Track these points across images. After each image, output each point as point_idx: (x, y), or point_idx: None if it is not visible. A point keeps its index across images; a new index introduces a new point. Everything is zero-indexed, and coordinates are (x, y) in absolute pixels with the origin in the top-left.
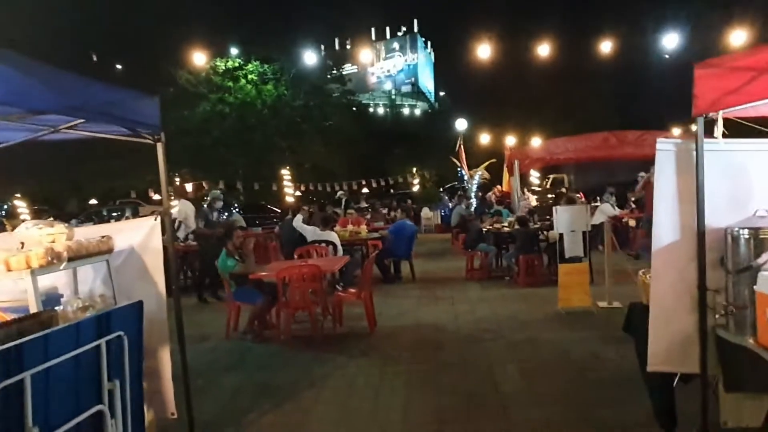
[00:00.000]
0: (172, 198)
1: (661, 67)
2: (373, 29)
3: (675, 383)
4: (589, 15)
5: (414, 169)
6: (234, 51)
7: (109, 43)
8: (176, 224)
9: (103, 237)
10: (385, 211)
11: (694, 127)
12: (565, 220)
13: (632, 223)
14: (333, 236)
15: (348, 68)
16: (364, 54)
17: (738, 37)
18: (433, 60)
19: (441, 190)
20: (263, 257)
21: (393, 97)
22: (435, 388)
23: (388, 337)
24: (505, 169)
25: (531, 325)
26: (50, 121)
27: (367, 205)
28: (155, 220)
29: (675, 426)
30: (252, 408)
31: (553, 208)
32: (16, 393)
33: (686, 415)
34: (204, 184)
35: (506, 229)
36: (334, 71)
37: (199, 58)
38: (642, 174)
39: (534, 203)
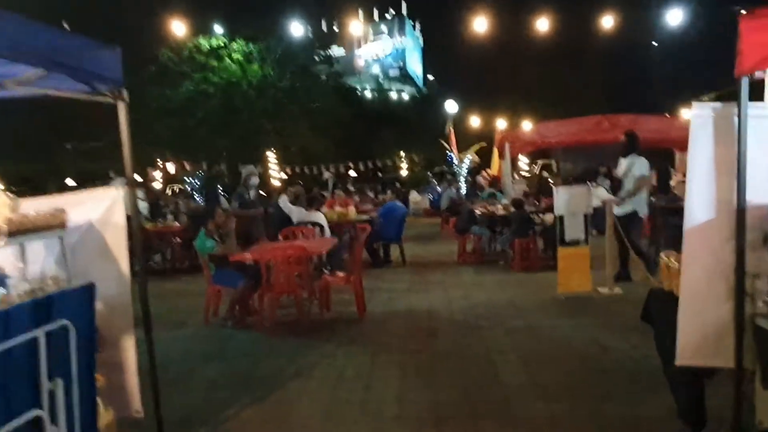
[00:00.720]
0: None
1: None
2: (360, 11)
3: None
4: None
5: (402, 153)
6: (218, 29)
7: (85, 16)
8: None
9: (55, 210)
10: (372, 195)
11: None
12: (566, 202)
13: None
14: (320, 217)
15: (335, 51)
16: (352, 36)
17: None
18: (421, 44)
19: (429, 174)
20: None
21: (381, 81)
22: (430, 379)
23: (379, 323)
24: (495, 153)
25: (529, 311)
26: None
27: (354, 189)
28: (116, 190)
29: (704, 425)
30: (231, 402)
31: (554, 189)
32: None
33: (711, 412)
34: (186, 165)
35: (501, 211)
36: (321, 52)
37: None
38: None
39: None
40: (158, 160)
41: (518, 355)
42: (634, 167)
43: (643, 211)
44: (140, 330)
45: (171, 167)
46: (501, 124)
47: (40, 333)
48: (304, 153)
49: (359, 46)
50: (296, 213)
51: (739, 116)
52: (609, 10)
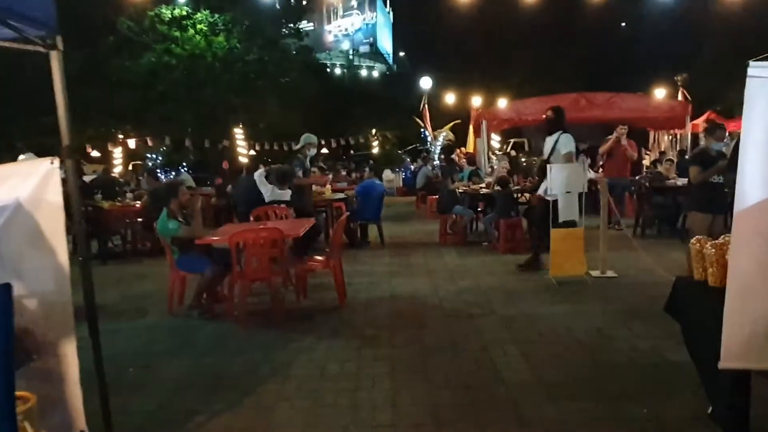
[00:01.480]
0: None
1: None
2: None
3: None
4: None
5: (374, 130)
6: None
7: None
8: None
9: None
10: (344, 173)
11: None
12: (560, 181)
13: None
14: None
15: (304, 25)
16: (322, 10)
17: None
18: (392, 20)
19: (401, 152)
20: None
21: (351, 57)
22: (425, 377)
23: (362, 312)
24: (471, 131)
25: (522, 297)
26: None
27: (325, 167)
28: (52, 163)
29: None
30: (196, 407)
31: (548, 166)
32: None
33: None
34: (148, 141)
35: (484, 190)
36: (291, 25)
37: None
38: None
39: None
40: (120, 135)
41: (518, 347)
42: (560, 144)
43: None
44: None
45: (132, 143)
46: (476, 101)
47: None
48: (273, 129)
49: (329, 21)
50: (269, 192)
51: None
52: None
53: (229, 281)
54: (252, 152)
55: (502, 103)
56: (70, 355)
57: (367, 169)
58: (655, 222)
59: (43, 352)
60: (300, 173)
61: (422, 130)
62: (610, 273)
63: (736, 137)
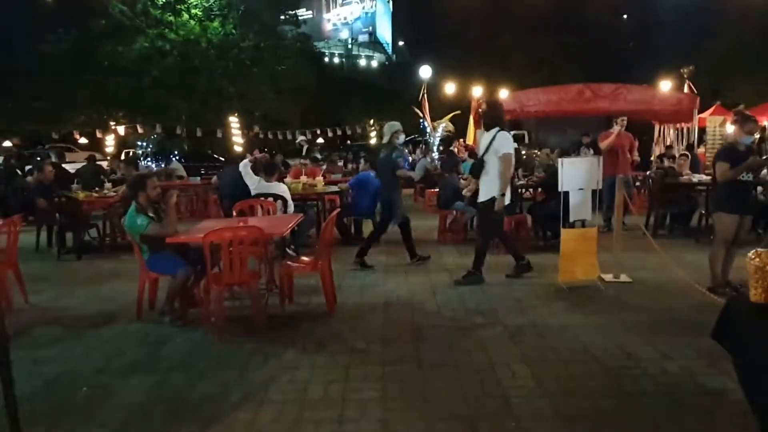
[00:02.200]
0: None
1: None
2: None
3: None
4: None
5: (371, 121)
6: None
7: None
8: None
9: None
10: (341, 163)
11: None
12: (572, 176)
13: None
14: (282, 189)
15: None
16: None
17: None
18: (391, 9)
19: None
20: (202, 212)
21: (350, 46)
22: (422, 405)
23: (352, 320)
24: (471, 122)
25: (530, 304)
26: None
27: (321, 157)
28: None
29: None
30: None
31: (558, 160)
32: None
33: None
34: (138, 128)
35: None
36: (288, 12)
37: None
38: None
39: None
40: (111, 122)
41: (529, 368)
42: (497, 143)
43: (506, 199)
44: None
45: (122, 130)
46: (477, 91)
47: None
48: (269, 118)
49: (328, 9)
50: (255, 184)
51: None
52: None
53: (205, 285)
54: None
55: (504, 93)
56: None
57: (362, 160)
58: (668, 221)
59: None
60: (402, 164)
61: (421, 120)
62: (624, 277)
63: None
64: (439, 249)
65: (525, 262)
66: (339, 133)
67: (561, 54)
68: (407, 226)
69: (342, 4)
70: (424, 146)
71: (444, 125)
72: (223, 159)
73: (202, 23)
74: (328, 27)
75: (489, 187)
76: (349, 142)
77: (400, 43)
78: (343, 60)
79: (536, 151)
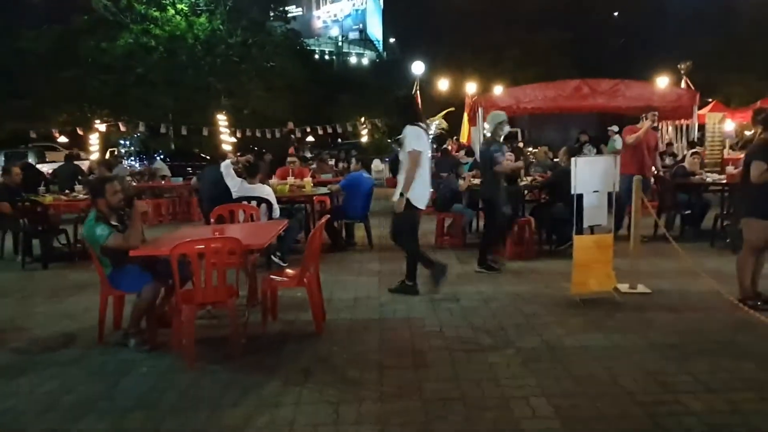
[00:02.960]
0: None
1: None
2: None
3: None
4: None
5: (363, 118)
6: None
7: None
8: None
9: None
10: (332, 162)
11: None
12: (587, 177)
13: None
14: (266, 191)
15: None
16: None
17: None
18: (381, 6)
19: (390, 140)
20: (185, 216)
21: (340, 43)
22: None
23: (343, 341)
24: (465, 119)
25: (542, 321)
26: None
27: (311, 156)
28: None
29: None
30: None
31: (572, 159)
32: None
33: None
34: (121, 126)
35: None
36: (278, 9)
37: None
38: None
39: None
40: (97, 121)
41: (549, 402)
42: (405, 139)
43: (422, 201)
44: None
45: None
46: (471, 88)
47: None
48: (258, 116)
49: (318, 6)
50: (236, 186)
51: None
52: None
53: (174, 304)
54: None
55: (499, 90)
56: None
57: (353, 159)
58: (681, 223)
59: None
60: (501, 159)
61: None
62: (641, 288)
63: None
64: (437, 254)
65: (412, 284)
66: (329, 131)
67: (555, 49)
68: (502, 228)
69: (332, 1)
70: None
71: (437, 123)
72: (210, 158)
73: (188, 19)
74: (318, 24)
75: (399, 187)
76: (340, 140)
77: (391, 39)
78: (334, 57)
79: (530, 149)
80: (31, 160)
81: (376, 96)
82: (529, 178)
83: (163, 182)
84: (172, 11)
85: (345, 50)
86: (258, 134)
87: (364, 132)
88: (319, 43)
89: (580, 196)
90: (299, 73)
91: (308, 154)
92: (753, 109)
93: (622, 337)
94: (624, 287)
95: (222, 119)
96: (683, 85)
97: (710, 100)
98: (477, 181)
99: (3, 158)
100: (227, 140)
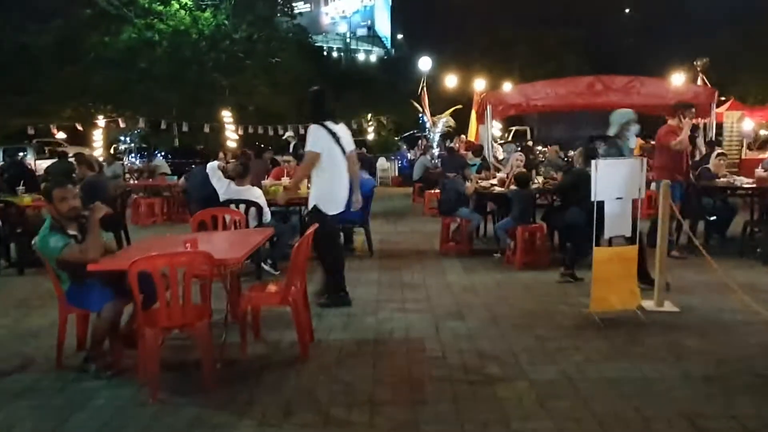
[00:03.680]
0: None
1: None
2: None
3: None
4: None
5: (369, 115)
6: None
7: None
8: None
9: None
10: None
11: None
12: (609, 182)
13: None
14: (256, 194)
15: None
16: None
17: None
18: (390, 2)
19: (397, 138)
20: (180, 216)
21: (348, 40)
22: None
23: (331, 368)
24: (473, 117)
25: (558, 344)
26: None
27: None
28: None
29: None
30: None
31: (592, 162)
32: None
33: None
34: (120, 122)
35: (497, 189)
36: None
37: None
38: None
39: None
40: (100, 117)
41: None
42: (307, 140)
43: (334, 207)
44: None
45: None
46: (480, 85)
47: None
48: (262, 112)
49: (326, 2)
50: (223, 188)
51: None
52: None
53: (137, 327)
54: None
55: (508, 87)
56: None
57: None
58: (704, 230)
59: None
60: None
61: (420, 115)
62: (668, 305)
63: None
64: (441, 262)
65: (342, 295)
66: None
67: (566, 47)
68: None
69: None
70: (424, 142)
71: (444, 120)
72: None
73: (192, 13)
74: (326, 20)
75: (313, 192)
76: None
77: (399, 36)
78: (341, 54)
79: (540, 147)
80: (30, 157)
81: (383, 93)
82: (541, 180)
83: (158, 180)
84: (176, 6)
85: (353, 47)
86: (261, 131)
87: (371, 129)
88: (327, 39)
89: (601, 204)
90: (305, 69)
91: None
92: None
93: (650, 367)
94: (649, 305)
95: (227, 116)
96: (699, 82)
97: (723, 98)
98: (485, 183)
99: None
100: (231, 137)
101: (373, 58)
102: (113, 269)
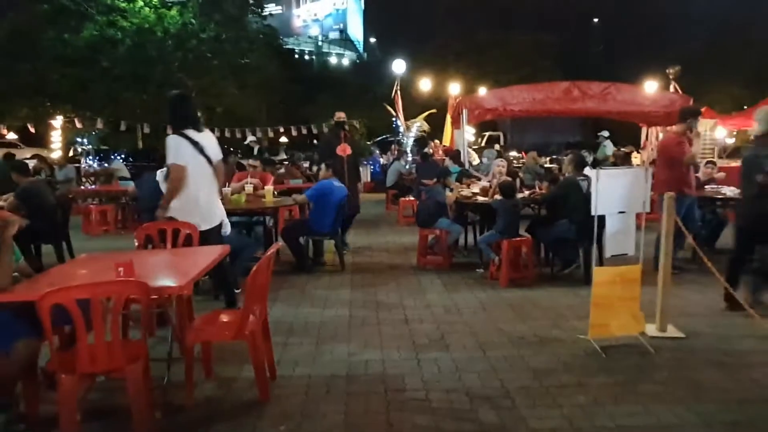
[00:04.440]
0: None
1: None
2: None
3: None
4: None
5: None
6: None
7: None
8: None
9: None
10: (306, 164)
11: None
12: (610, 194)
13: None
14: None
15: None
16: None
17: None
18: (363, 6)
19: (370, 143)
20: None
21: (320, 43)
22: None
23: (295, 414)
24: (448, 122)
25: (557, 380)
26: None
27: (285, 157)
28: None
29: None
30: None
31: (593, 172)
32: None
33: None
34: (77, 122)
35: (481, 198)
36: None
37: None
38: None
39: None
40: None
41: None
42: (167, 152)
43: (200, 223)
44: None
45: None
46: (455, 89)
47: None
48: (231, 115)
49: (297, 5)
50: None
51: None
52: None
53: (52, 371)
54: None
55: (483, 91)
56: None
57: (323, 165)
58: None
59: None
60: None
61: (394, 119)
62: (672, 330)
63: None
64: (419, 278)
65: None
66: (304, 132)
67: (539, 52)
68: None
69: (312, 0)
70: (397, 147)
71: (418, 125)
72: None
73: (158, 11)
74: (298, 23)
75: (174, 206)
76: (315, 141)
77: (372, 39)
78: (313, 57)
79: (513, 153)
80: None
81: (355, 97)
82: (527, 191)
83: (110, 185)
84: (141, 2)
85: (325, 50)
86: (228, 134)
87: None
88: (299, 42)
89: (601, 218)
90: (275, 70)
91: (283, 156)
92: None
93: (667, 410)
94: (651, 329)
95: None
96: (671, 89)
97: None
98: (466, 192)
99: None
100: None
101: (345, 62)
102: (22, 300)
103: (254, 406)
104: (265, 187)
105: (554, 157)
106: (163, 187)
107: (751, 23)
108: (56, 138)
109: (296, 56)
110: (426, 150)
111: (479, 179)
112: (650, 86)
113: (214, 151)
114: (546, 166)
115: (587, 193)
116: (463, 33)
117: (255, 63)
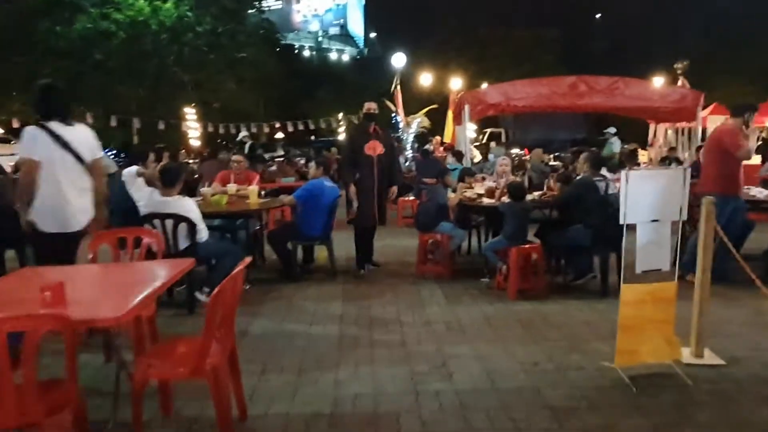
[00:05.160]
0: None
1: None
2: None
3: None
4: None
5: (340, 115)
6: None
7: None
8: None
9: None
10: (302, 161)
11: None
12: (642, 200)
13: None
14: (186, 206)
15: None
16: None
17: None
18: (363, 1)
19: None
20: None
21: (320, 39)
22: None
23: None
24: (450, 118)
25: (580, 421)
26: None
27: (282, 153)
28: None
29: None
30: None
31: (622, 173)
32: None
33: None
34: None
35: (486, 201)
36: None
37: None
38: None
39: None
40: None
41: None
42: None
43: (50, 223)
44: None
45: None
46: (456, 84)
47: None
48: (228, 110)
49: (297, 0)
50: (144, 198)
51: None
52: None
53: None
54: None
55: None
56: None
57: (312, 163)
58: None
59: None
60: None
61: (393, 114)
62: (709, 356)
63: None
64: (418, 289)
65: None
66: (301, 128)
67: (542, 47)
68: None
69: None
70: (397, 144)
71: (419, 120)
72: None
73: (153, 4)
74: (297, 18)
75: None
76: (313, 137)
77: (372, 34)
78: (313, 52)
79: (516, 150)
80: None
81: (355, 92)
82: (536, 193)
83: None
84: None
85: (325, 46)
86: (222, 130)
87: (341, 129)
88: (299, 37)
89: (631, 227)
90: (273, 65)
91: (280, 152)
92: None
93: None
94: (685, 355)
95: (190, 112)
96: (679, 84)
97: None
98: (470, 193)
99: None
100: (194, 134)
101: (345, 58)
102: None
103: None
104: (249, 187)
105: (558, 154)
106: (129, 187)
107: (759, 17)
108: None
109: (295, 51)
110: (427, 147)
111: (484, 178)
112: (659, 81)
113: (87, 147)
114: (551, 164)
115: (604, 195)
116: (465, 28)
117: (252, 57)
